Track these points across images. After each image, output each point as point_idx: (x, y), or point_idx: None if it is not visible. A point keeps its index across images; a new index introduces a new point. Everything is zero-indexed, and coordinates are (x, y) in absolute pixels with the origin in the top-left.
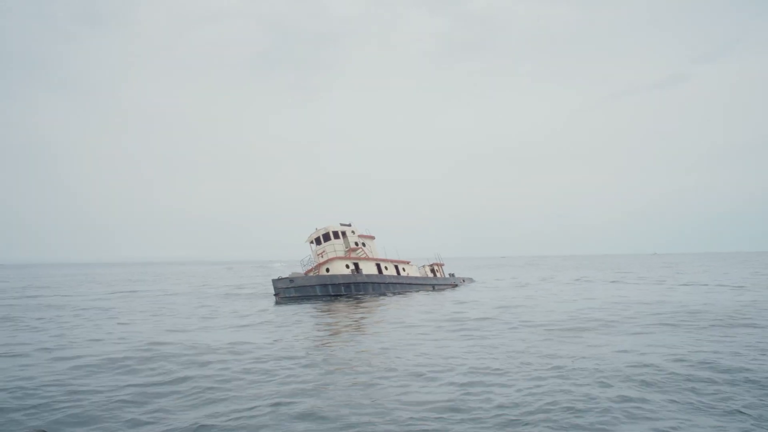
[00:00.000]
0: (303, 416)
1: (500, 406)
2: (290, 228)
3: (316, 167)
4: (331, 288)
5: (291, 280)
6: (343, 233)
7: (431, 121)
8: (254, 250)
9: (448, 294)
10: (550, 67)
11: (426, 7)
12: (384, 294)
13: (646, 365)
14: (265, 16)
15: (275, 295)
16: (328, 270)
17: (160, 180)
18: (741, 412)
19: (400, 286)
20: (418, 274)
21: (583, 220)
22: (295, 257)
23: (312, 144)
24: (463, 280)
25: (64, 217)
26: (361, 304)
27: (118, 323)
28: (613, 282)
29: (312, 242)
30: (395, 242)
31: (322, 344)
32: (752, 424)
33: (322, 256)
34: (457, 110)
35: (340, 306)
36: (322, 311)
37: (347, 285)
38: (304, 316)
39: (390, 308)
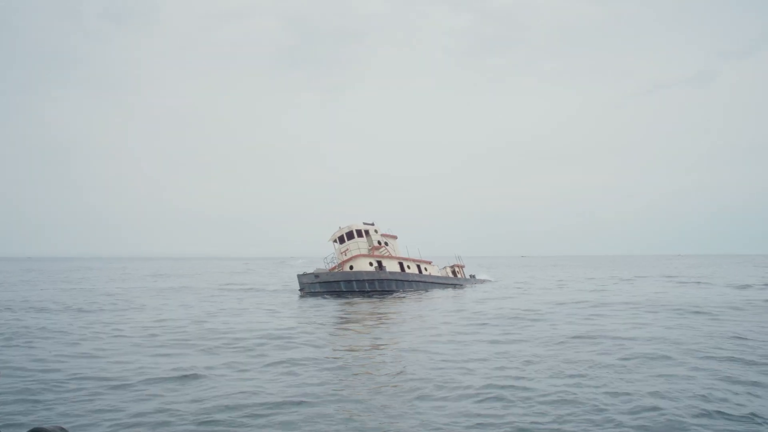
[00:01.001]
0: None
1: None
2: (308, 226)
3: (334, 166)
4: (356, 284)
5: (316, 275)
6: (366, 232)
7: (452, 117)
8: (269, 248)
9: (468, 293)
10: (575, 63)
11: (448, 4)
12: (406, 291)
13: None
14: (289, 13)
15: (300, 290)
16: (351, 267)
17: (178, 178)
18: None
19: (423, 284)
20: (439, 275)
21: (605, 219)
22: (314, 254)
23: (331, 142)
24: (481, 281)
25: (83, 214)
26: (386, 301)
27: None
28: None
29: (335, 241)
30: (417, 239)
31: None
32: None
33: (345, 254)
34: (480, 106)
35: (373, 303)
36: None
37: (371, 282)
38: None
39: (413, 304)
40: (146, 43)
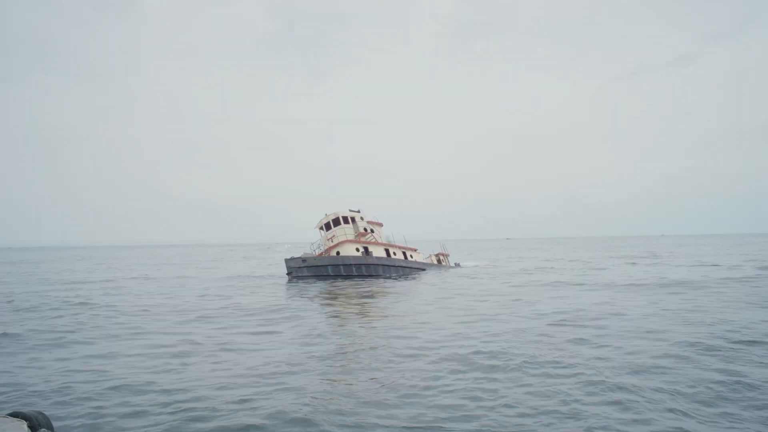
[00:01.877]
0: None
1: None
2: (297, 211)
3: (323, 149)
4: (343, 269)
5: (303, 260)
6: (353, 219)
7: (439, 101)
8: (261, 233)
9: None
10: (562, 47)
11: None
12: (392, 276)
13: None
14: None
15: (288, 274)
16: (338, 253)
17: (168, 164)
18: None
19: (409, 270)
20: (425, 262)
21: (592, 201)
22: (302, 240)
23: (320, 126)
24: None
25: (72, 202)
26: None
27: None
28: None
29: (321, 228)
30: (403, 225)
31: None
32: None
33: (332, 241)
34: (466, 91)
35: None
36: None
37: (358, 266)
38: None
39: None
40: (129, 29)
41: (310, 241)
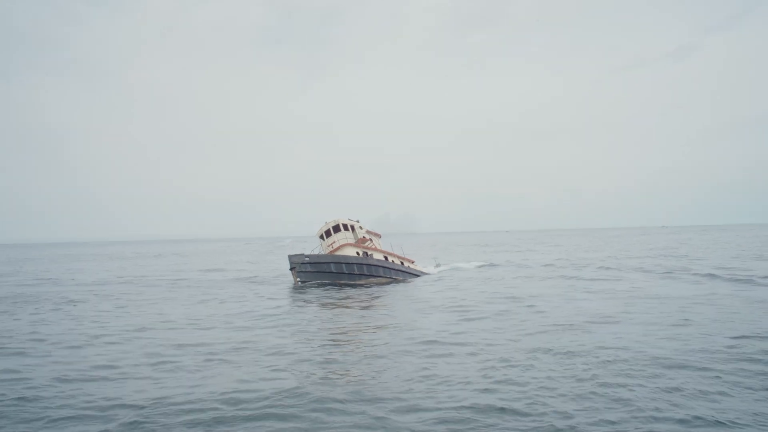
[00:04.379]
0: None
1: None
2: (299, 205)
3: (325, 143)
4: (345, 267)
5: (307, 256)
6: (352, 227)
7: (439, 94)
8: (265, 227)
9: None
10: (561, 39)
11: None
12: (393, 279)
13: None
14: None
15: (291, 269)
16: None
17: (169, 160)
18: None
19: (407, 274)
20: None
21: (593, 193)
22: (304, 234)
23: (321, 121)
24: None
25: (71, 197)
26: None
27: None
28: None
29: (322, 236)
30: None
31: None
32: None
33: (332, 246)
34: (465, 83)
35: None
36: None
37: (360, 265)
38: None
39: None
40: (126, 25)
41: (311, 235)
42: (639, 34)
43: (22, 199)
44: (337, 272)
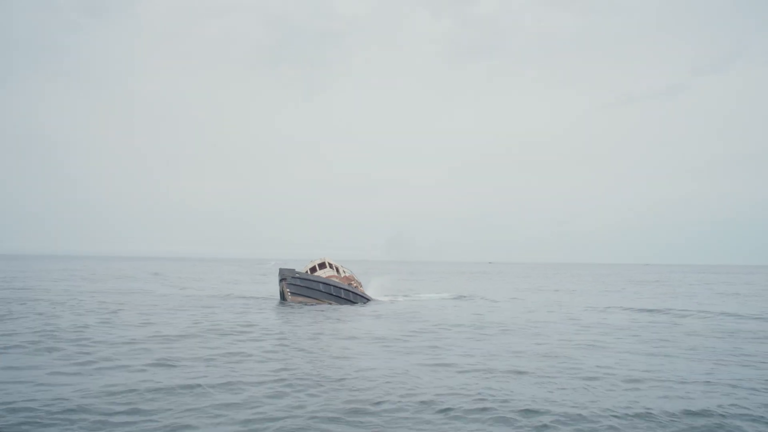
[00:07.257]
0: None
1: None
2: (285, 225)
3: (317, 164)
4: (333, 289)
5: (297, 270)
6: (337, 267)
7: (432, 122)
8: (255, 248)
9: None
10: (555, 72)
11: (430, 9)
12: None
13: None
14: (270, 12)
15: (281, 280)
16: None
17: (163, 174)
18: None
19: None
20: None
21: (582, 227)
22: (292, 257)
23: (314, 141)
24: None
25: (65, 210)
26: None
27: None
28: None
29: (307, 272)
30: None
31: None
32: None
33: None
34: (459, 112)
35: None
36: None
37: (347, 291)
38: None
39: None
40: (124, 38)
41: (296, 258)
42: (633, 69)
43: (15, 208)
44: (326, 292)
